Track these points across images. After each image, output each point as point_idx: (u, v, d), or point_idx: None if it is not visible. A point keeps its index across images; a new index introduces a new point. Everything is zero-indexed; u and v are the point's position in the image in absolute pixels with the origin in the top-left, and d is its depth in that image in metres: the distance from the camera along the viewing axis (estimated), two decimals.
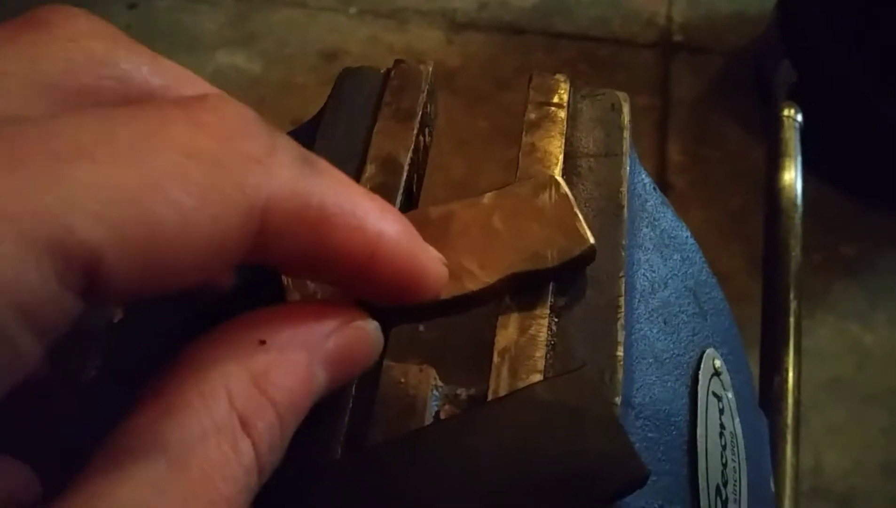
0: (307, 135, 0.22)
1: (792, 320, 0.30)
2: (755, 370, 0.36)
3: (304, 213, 0.13)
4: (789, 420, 0.28)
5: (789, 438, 0.28)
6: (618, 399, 0.17)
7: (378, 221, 0.14)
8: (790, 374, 0.29)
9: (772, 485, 0.25)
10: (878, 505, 0.87)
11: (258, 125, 0.13)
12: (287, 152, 0.13)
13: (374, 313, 0.18)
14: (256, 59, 1.12)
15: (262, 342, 0.14)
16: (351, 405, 0.17)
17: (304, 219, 0.13)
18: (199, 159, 0.12)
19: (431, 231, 0.18)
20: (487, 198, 0.19)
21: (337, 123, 0.22)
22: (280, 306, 0.15)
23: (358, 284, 0.15)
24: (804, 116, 0.38)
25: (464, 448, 0.15)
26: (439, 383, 0.27)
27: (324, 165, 0.14)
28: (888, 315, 0.96)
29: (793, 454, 0.28)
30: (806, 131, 0.39)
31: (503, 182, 0.20)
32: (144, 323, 0.24)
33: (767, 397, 0.29)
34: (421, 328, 0.49)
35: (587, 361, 0.17)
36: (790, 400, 0.29)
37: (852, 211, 0.99)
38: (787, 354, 0.30)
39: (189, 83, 0.16)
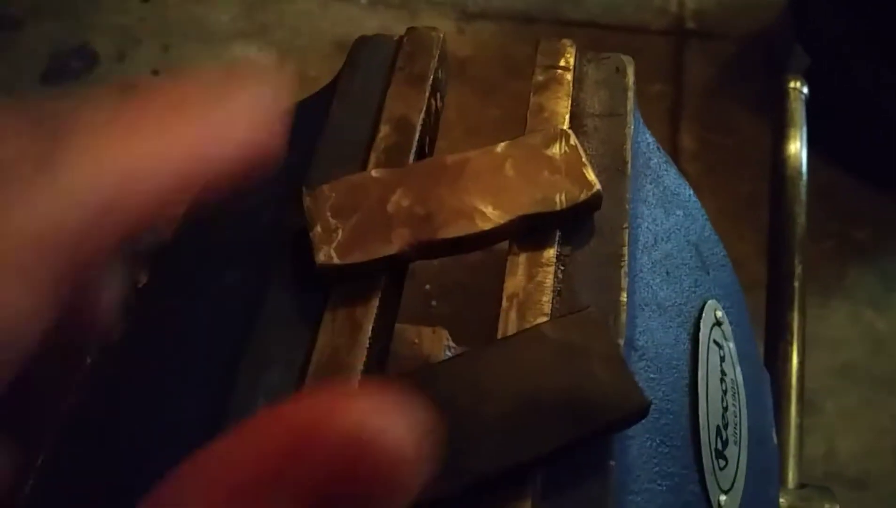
0: (323, 100, 0.23)
1: (797, 283, 0.30)
2: (759, 345, 0.36)
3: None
4: (794, 381, 0.29)
5: (794, 398, 0.29)
6: (621, 341, 0.18)
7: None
8: (795, 336, 0.30)
9: (774, 438, 0.25)
10: (892, 489, 0.87)
11: None
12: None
13: (392, 257, 0.19)
14: (269, 50, 1.13)
15: None
16: (364, 366, 0.18)
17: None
18: None
19: (447, 176, 0.19)
20: (501, 147, 0.20)
21: (352, 88, 0.23)
22: None
23: None
24: (817, 101, 0.38)
25: (476, 378, 0.16)
26: (451, 343, 0.28)
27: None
28: None
29: (797, 414, 0.28)
30: (819, 116, 0.40)
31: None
32: (168, 288, 0.25)
33: (773, 359, 0.30)
34: (433, 302, 0.50)
35: (592, 305, 0.18)
36: (794, 361, 0.29)
37: (865, 196, 0.98)
38: (792, 317, 0.30)
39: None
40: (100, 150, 0.12)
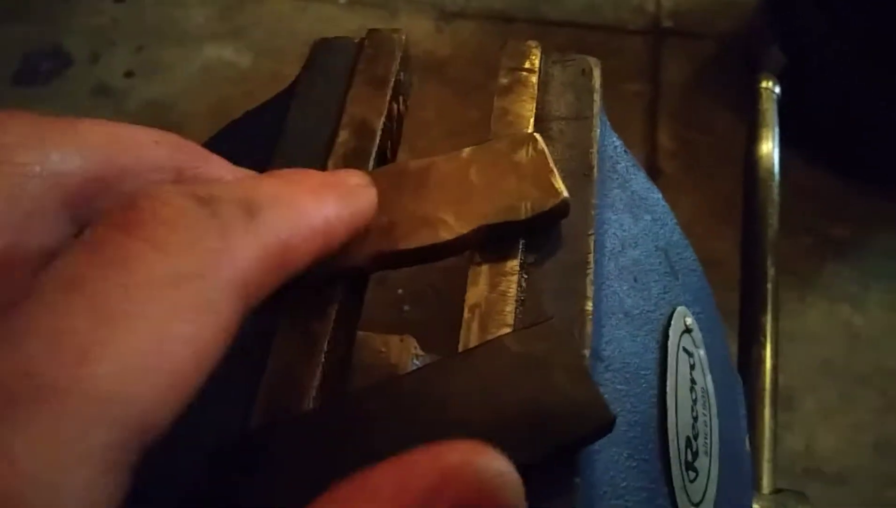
0: (282, 104, 0.22)
1: (770, 286, 0.30)
2: (733, 343, 0.36)
3: (271, 260, 0.14)
4: (767, 385, 0.29)
5: (767, 401, 0.28)
6: (586, 352, 0.17)
7: (322, 210, 0.16)
8: (768, 339, 0.30)
9: (747, 444, 0.25)
10: (871, 484, 0.87)
11: (195, 206, 0.13)
12: (232, 215, 0.14)
13: (353, 268, 0.18)
14: (245, 51, 1.11)
15: None
16: (319, 379, 0.17)
17: (274, 264, 0.14)
18: (179, 287, 0.12)
19: (410, 183, 0.18)
20: (466, 152, 0.19)
21: (311, 91, 0.22)
22: None
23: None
24: (793, 99, 0.38)
25: (435, 394, 0.16)
26: (420, 351, 0.28)
27: (263, 197, 0.15)
28: (879, 297, 0.96)
29: (771, 417, 0.28)
30: (795, 114, 0.40)
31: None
32: None
33: (746, 362, 0.30)
34: (406, 307, 0.49)
35: (556, 315, 0.18)
36: (768, 364, 0.29)
37: (843, 193, 0.99)
38: (765, 321, 0.30)
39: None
40: (289, 211, 0.15)
